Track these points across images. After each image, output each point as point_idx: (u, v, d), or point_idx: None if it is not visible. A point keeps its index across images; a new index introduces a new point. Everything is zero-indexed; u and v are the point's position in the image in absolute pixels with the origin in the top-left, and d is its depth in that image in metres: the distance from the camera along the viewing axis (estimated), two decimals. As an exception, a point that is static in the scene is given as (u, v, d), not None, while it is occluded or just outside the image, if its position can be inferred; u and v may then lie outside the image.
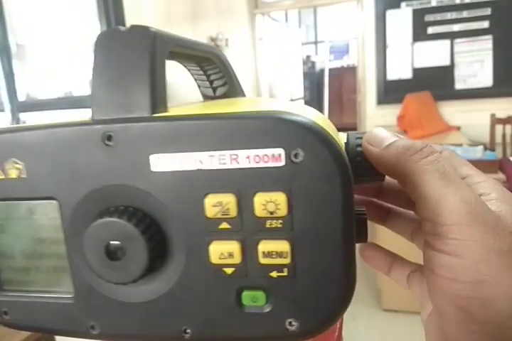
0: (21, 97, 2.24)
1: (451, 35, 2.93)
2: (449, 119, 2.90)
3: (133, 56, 0.19)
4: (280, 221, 0.17)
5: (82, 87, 2.44)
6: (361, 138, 0.28)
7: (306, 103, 5.42)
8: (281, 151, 0.17)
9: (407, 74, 3.03)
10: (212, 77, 0.32)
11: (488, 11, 2.83)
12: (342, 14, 6.03)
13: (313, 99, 5.76)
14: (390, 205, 0.28)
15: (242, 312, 0.18)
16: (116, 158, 0.18)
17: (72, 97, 2.45)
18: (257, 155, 0.17)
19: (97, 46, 0.20)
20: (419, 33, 2.99)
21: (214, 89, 0.33)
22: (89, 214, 0.18)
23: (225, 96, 0.33)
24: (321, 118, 0.23)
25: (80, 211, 0.19)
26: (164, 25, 3.42)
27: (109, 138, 0.18)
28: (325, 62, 5.67)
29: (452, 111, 2.92)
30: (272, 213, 0.17)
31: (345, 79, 5.66)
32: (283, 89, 4.43)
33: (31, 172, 0.19)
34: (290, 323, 0.18)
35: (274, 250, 0.17)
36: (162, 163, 0.18)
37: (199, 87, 0.34)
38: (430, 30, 2.98)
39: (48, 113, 2.17)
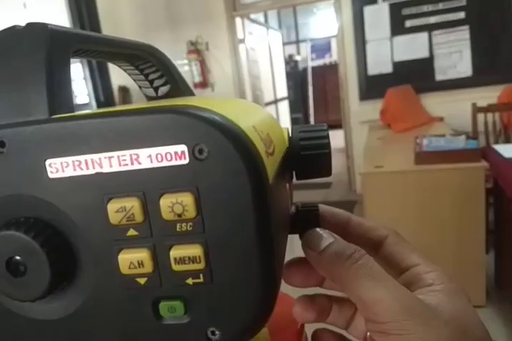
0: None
1: (429, 28, 2.94)
2: (431, 111, 2.91)
3: (28, 55, 0.18)
4: (190, 223, 0.16)
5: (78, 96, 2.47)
6: (304, 131, 0.27)
7: (291, 103, 5.42)
8: (183, 148, 0.15)
9: (388, 69, 3.04)
10: (150, 77, 0.31)
11: (463, 2, 2.85)
12: (322, 12, 6.05)
13: (298, 98, 5.76)
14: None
15: (161, 324, 0.17)
16: (10, 166, 0.17)
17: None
18: (159, 154, 0.16)
19: None
20: (397, 26, 3.00)
21: (155, 89, 0.32)
22: None
23: (168, 96, 0.32)
24: (253, 116, 0.21)
25: None
26: (142, 33, 3.40)
27: (1, 144, 0.16)
28: (307, 60, 5.67)
29: (434, 103, 2.93)
30: (180, 215, 0.16)
31: (328, 76, 5.67)
32: (266, 89, 4.42)
33: None
34: (213, 332, 0.17)
35: (187, 255, 0.16)
36: (59, 168, 0.16)
37: (140, 87, 0.32)
38: (408, 23, 2.99)
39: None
